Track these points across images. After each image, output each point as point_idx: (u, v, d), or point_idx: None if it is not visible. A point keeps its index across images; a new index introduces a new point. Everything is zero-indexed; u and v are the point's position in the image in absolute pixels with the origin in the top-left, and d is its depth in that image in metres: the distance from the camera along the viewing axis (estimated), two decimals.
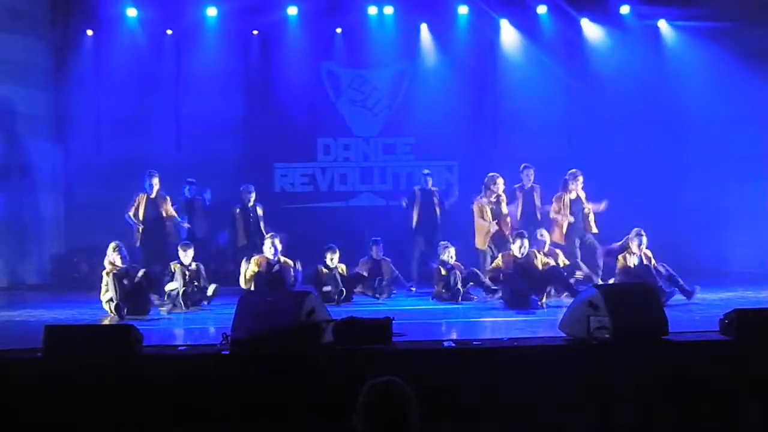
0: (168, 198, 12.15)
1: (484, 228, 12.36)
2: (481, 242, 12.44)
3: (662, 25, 15.99)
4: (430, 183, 13.38)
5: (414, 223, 13.19)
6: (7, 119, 14.36)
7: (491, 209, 12.39)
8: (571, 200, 12.44)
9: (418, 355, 6.79)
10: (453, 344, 7.05)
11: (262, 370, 6.42)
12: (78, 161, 15.33)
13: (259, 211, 12.84)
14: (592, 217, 12.36)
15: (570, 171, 12.47)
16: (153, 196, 12.08)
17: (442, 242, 12.01)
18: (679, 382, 6.47)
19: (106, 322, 9.85)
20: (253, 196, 12.81)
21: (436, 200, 13.30)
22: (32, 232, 14.51)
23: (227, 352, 6.63)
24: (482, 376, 6.43)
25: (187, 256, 11.28)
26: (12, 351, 7.01)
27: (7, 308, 11.69)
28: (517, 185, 12.93)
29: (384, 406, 3.53)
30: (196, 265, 11.34)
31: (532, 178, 12.94)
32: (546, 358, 6.73)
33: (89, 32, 15.45)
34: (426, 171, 13.68)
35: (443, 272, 11.71)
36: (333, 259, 11.82)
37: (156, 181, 12.08)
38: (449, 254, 11.79)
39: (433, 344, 7.27)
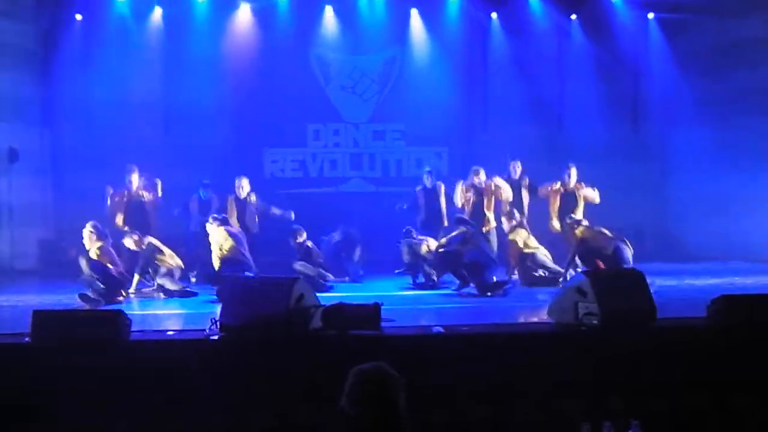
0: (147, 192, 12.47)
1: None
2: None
3: (652, 16, 15.98)
4: (429, 182, 13.22)
5: (419, 225, 13.03)
6: None
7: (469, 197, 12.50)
8: (564, 193, 12.55)
9: (407, 341, 6.81)
10: (441, 330, 7.07)
11: (251, 355, 6.43)
12: (66, 146, 15.23)
13: (253, 199, 12.87)
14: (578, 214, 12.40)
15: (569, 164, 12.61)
16: (134, 190, 12.39)
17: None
18: (667, 368, 6.50)
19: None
20: (244, 187, 12.85)
21: (441, 198, 13.10)
22: (20, 216, 14.43)
23: (216, 338, 6.64)
24: (471, 362, 6.44)
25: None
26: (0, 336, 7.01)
27: None
28: (504, 176, 12.98)
29: (372, 390, 3.61)
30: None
31: (519, 170, 13.00)
32: (534, 344, 6.76)
33: (78, 17, 15.32)
34: (427, 168, 13.63)
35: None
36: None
37: (135, 176, 12.36)
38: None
39: (421, 330, 7.30)
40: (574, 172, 12.56)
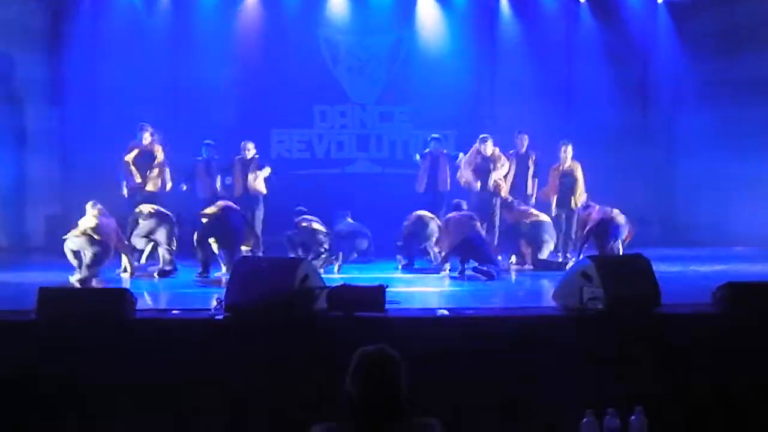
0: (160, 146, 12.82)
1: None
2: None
3: (660, 0, 15.95)
4: (433, 146, 13.47)
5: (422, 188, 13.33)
6: (3, 82, 14.30)
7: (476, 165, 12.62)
8: (562, 172, 12.65)
9: (412, 324, 6.81)
10: (446, 313, 7.08)
11: (256, 335, 6.44)
12: (74, 124, 15.24)
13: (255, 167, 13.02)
14: (578, 193, 12.47)
15: (561, 141, 12.70)
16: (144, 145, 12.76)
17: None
18: (671, 354, 6.51)
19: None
20: (250, 149, 13.14)
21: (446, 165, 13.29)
22: (28, 193, 14.50)
23: (221, 317, 6.65)
24: (475, 345, 6.45)
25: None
26: (5, 312, 7.03)
27: (1, 270, 11.74)
28: (511, 151, 13.12)
29: (375, 371, 3.67)
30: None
31: (526, 143, 13.19)
32: (539, 328, 6.76)
33: None
34: (435, 135, 13.68)
35: None
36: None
37: (147, 135, 12.68)
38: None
39: (426, 312, 7.30)
40: (569, 149, 12.67)
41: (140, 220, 11.43)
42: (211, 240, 11.07)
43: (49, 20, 15.17)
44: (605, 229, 11.46)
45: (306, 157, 16.14)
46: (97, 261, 10.37)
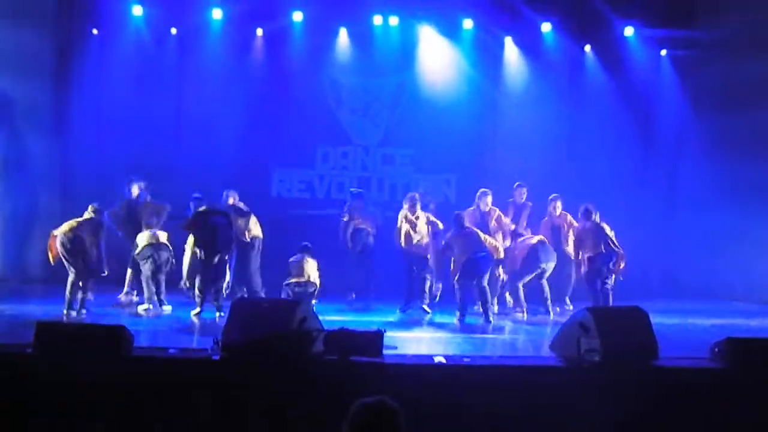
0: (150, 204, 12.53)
1: None
2: None
3: (664, 53, 16.07)
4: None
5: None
6: (8, 112, 14.38)
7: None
8: (553, 226, 12.76)
9: (408, 370, 6.80)
10: (443, 360, 7.06)
11: (252, 376, 6.43)
12: (77, 157, 15.26)
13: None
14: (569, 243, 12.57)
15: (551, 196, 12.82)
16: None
17: None
18: (667, 408, 6.49)
19: None
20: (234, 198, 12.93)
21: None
22: (28, 225, 14.49)
23: (218, 357, 6.64)
24: (471, 394, 6.44)
25: None
26: (2, 346, 7.02)
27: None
28: (510, 200, 13.21)
29: (374, 423, 3.66)
30: None
31: (524, 196, 13.25)
32: (535, 379, 6.75)
33: (94, 31, 15.43)
34: (420, 190, 13.68)
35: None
36: None
37: (135, 188, 12.50)
38: None
39: (423, 359, 7.29)
40: (559, 204, 12.83)
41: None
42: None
43: (57, 53, 15.25)
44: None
45: (306, 197, 16.15)
46: None
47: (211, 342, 6.90)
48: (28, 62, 14.41)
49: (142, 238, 11.70)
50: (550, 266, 12.03)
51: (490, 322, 11.03)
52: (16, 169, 14.46)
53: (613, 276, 11.53)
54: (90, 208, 11.23)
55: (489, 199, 12.81)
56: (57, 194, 15.13)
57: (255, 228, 12.84)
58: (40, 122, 14.90)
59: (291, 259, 12.04)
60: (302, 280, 11.72)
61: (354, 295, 12.98)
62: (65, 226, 10.94)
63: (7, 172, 14.35)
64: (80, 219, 11.04)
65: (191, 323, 10.57)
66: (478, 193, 12.88)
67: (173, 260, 11.78)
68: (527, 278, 12.01)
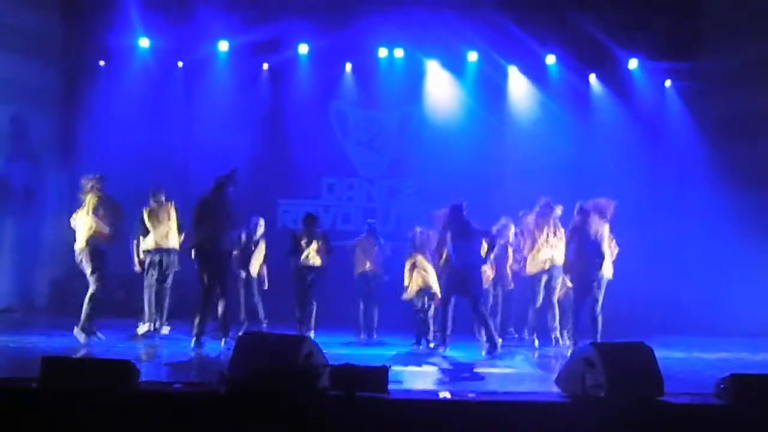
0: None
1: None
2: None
3: (669, 83, 16.15)
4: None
5: None
6: (15, 142, 14.47)
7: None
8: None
9: (413, 406, 6.80)
10: (448, 396, 7.06)
11: (258, 411, 6.42)
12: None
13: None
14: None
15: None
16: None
17: None
18: None
19: None
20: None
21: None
22: (33, 255, 14.55)
23: (222, 392, 6.64)
24: (477, 430, 6.43)
25: None
26: (7, 380, 7.03)
27: (3, 332, 11.76)
28: (517, 230, 13.22)
29: None
30: None
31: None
32: (541, 415, 6.74)
33: (101, 62, 15.57)
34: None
35: None
36: None
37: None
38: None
39: (428, 395, 7.29)
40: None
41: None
42: None
43: (64, 85, 15.37)
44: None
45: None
46: None
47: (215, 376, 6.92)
48: (36, 94, 14.53)
49: None
50: None
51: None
52: (21, 199, 14.50)
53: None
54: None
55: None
56: (67, 224, 15.15)
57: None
58: (46, 152, 14.99)
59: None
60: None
61: (363, 336, 12.92)
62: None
63: (13, 201, 14.39)
64: None
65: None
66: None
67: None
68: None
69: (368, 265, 12.77)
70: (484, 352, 11.10)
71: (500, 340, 11.60)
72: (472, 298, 11.30)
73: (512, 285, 12.93)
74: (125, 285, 13.32)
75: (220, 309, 11.08)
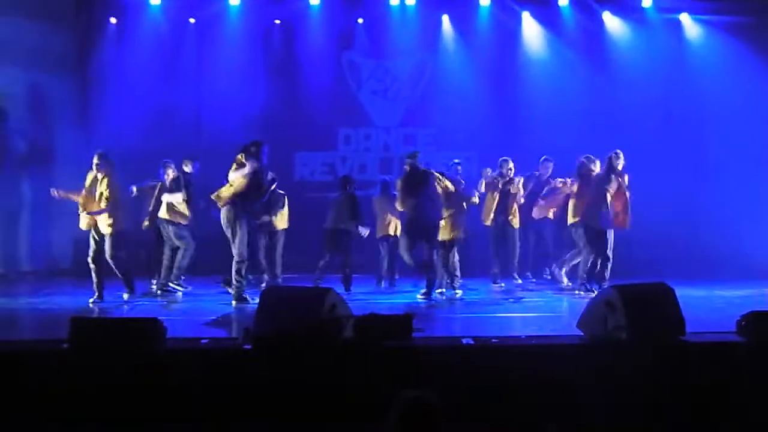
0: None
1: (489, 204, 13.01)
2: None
3: (684, 18, 15.96)
4: (460, 170, 13.12)
5: None
6: (31, 105, 14.51)
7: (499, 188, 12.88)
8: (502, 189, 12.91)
9: (438, 352, 6.89)
10: (472, 341, 7.13)
11: (284, 365, 6.52)
12: (100, 146, 15.35)
13: None
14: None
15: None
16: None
17: None
18: (694, 383, 6.54)
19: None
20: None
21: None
22: (55, 217, 14.62)
23: (249, 347, 6.74)
24: (501, 374, 6.51)
25: None
26: (38, 342, 7.17)
27: (30, 295, 11.93)
28: (536, 173, 13.23)
29: (415, 421, 3.85)
30: None
31: (550, 170, 13.25)
32: (564, 357, 6.82)
33: (113, 20, 15.55)
34: (456, 160, 13.34)
35: None
36: None
37: (170, 171, 12.31)
38: None
39: (452, 341, 7.38)
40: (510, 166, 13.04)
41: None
42: None
43: (77, 45, 15.37)
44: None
45: (329, 179, 16.22)
46: None
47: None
48: (49, 56, 14.51)
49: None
50: None
51: None
52: (40, 161, 14.56)
53: None
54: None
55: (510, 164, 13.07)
56: (82, 183, 15.24)
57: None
58: (62, 113, 15.03)
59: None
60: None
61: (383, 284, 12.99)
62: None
63: (33, 164, 14.47)
64: None
65: None
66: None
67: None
68: None
69: (389, 229, 12.72)
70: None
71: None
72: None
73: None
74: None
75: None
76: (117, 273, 11.14)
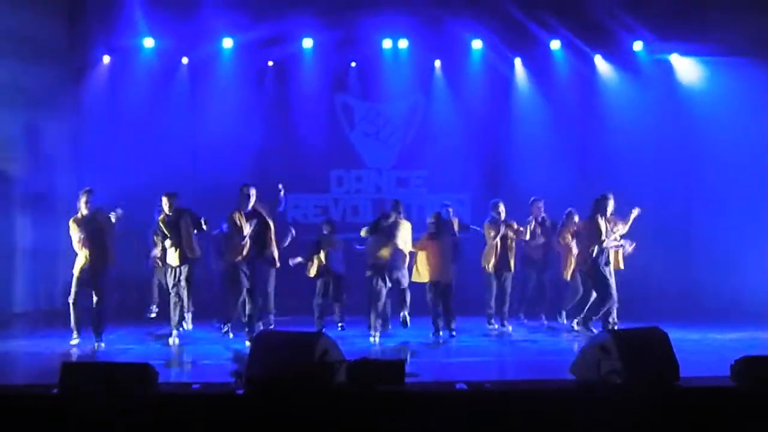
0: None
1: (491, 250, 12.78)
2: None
3: (674, 59, 16.05)
4: (451, 213, 13.19)
5: None
6: (26, 147, 14.50)
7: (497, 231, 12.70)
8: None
9: (431, 398, 6.83)
10: (465, 386, 7.09)
11: (276, 410, 6.46)
12: (94, 187, 15.34)
13: None
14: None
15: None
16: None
17: None
18: (688, 429, 6.49)
19: None
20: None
21: (455, 228, 13.10)
22: (49, 257, 14.57)
23: (241, 392, 6.68)
24: (495, 420, 6.46)
25: None
26: (28, 387, 7.10)
27: (22, 337, 11.87)
28: (529, 218, 13.24)
29: None
30: None
31: (542, 209, 13.37)
32: (556, 402, 6.77)
33: (106, 60, 15.58)
34: (447, 203, 13.44)
35: None
36: None
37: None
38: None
39: (445, 386, 7.33)
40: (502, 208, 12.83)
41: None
42: None
43: (71, 86, 15.39)
44: None
45: (322, 221, 16.15)
46: None
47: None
48: (44, 98, 14.52)
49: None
50: None
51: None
52: (36, 202, 14.54)
53: None
54: None
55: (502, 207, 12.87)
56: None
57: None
58: (56, 154, 15.00)
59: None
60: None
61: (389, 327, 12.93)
62: None
63: (28, 204, 14.45)
64: None
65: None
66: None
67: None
68: None
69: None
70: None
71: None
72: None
73: None
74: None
75: None
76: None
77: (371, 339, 11.67)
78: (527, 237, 13.02)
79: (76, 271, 11.23)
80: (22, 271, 14.37)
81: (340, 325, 12.71)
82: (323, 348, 6.82)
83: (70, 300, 11.15)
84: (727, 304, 14.03)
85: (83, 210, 11.36)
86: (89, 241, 11.20)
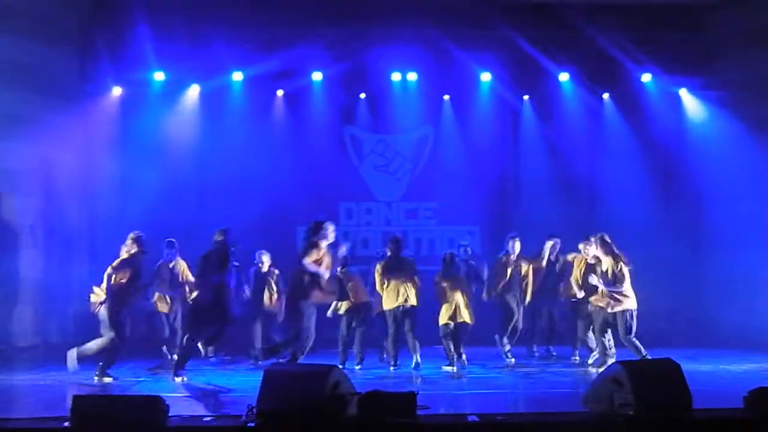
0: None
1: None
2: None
3: (683, 94, 16.06)
4: (469, 251, 13.00)
5: None
6: (36, 181, 14.53)
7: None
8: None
9: (442, 430, 6.82)
10: (476, 419, 7.07)
11: None
12: (103, 222, 15.41)
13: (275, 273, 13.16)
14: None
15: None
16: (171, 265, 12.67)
17: None
18: None
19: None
20: (265, 262, 13.16)
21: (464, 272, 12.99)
22: (57, 291, 14.59)
23: (252, 425, 6.67)
24: None
25: None
26: (40, 420, 7.09)
27: (32, 370, 11.84)
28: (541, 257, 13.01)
29: None
30: None
31: (557, 247, 13.08)
32: None
33: (116, 92, 15.63)
34: (464, 242, 13.22)
35: None
36: None
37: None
38: None
39: (457, 418, 7.30)
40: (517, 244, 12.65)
41: None
42: None
43: (82, 121, 15.43)
44: None
45: (331, 253, 16.14)
46: None
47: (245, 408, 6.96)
48: (54, 132, 14.54)
49: None
50: None
51: None
52: (43, 237, 14.57)
53: None
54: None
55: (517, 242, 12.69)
56: (85, 260, 15.24)
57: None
58: (66, 188, 15.03)
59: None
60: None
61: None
62: None
63: (36, 239, 14.46)
64: None
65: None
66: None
67: None
68: None
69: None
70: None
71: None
72: None
73: None
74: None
75: None
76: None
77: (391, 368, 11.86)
78: (543, 264, 12.84)
79: None
80: (29, 304, 14.36)
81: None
82: (334, 381, 6.82)
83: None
84: (738, 332, 13.95)
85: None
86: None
